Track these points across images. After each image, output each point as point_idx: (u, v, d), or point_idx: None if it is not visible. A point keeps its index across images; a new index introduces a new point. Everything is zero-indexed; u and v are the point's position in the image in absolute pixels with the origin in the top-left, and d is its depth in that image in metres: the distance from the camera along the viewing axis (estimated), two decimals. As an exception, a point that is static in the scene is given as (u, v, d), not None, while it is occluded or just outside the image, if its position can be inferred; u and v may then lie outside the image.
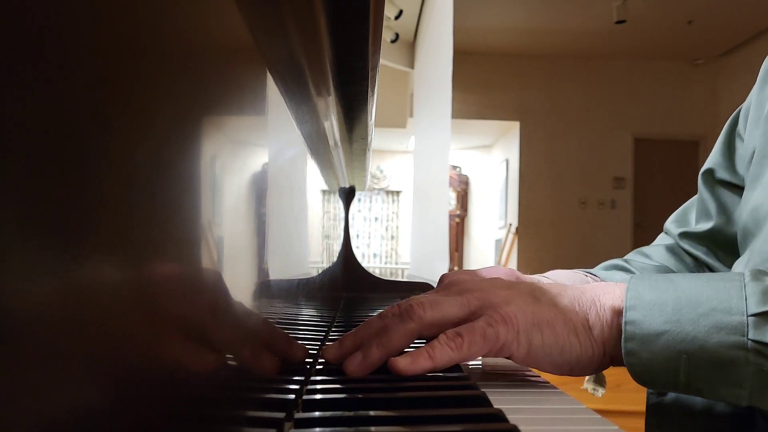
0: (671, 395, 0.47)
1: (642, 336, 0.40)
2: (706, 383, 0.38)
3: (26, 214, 0.11)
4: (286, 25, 0.35)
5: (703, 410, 0.46)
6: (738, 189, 0.61)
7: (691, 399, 0.46)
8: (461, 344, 0.41)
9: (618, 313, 0.42)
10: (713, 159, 0.64)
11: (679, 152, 6.30)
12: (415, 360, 0.41)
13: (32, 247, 0.11)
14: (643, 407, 0.55)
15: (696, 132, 6.26)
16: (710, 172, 0.64)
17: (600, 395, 0.56)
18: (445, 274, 0.56)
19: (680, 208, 0.70)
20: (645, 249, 0.72)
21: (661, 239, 0.72)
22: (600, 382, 0.57)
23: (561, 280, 0.61)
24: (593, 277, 0.64)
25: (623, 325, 0.40)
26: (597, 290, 0.44)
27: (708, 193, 0.64)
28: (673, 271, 0.66)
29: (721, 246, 0.63)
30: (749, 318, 0.37)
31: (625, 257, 0.71)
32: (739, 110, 0.62)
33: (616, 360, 0.42)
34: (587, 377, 0.55)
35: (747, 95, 0.65)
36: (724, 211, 0.62)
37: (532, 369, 0.47)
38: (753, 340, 0.37)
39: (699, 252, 0.65)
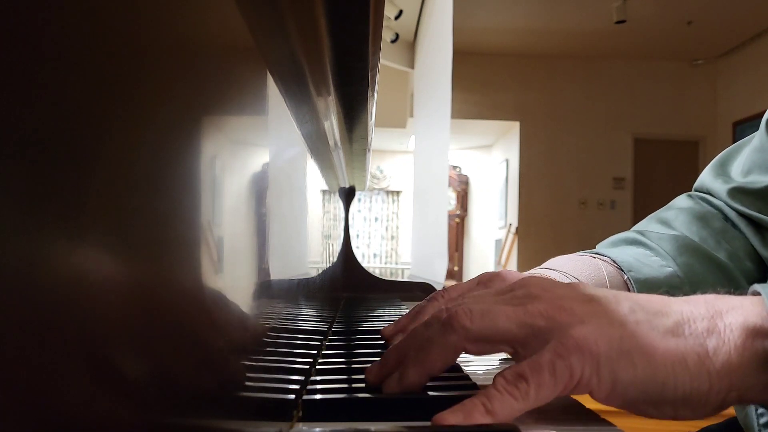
0: None
1: None
2: None
3: (26, 214, 0.11)
4: (286, 25, 0.35)
5: None
6: None
7: None
8: (527, 391, 0.31)
9: (754, 333, 0.31)
10: None
11: (679, 152, 6.30)
12: (468, 416, 0.31)
13: (31, 247, 0.11)
14: None
15: (696, 132, 6.26)
16: None
17: None
18: (486, 273, 0.48)
19: (716, 161, 0.60)
20: (663, 214, 0.62)
21: (683, 201, 0.63)
22: None
23: (567, 269, 0.54)
24: (601, 258, 0.56)
25: None
26: (717, 304, 0.33)
27: None
28: (696, 244, 0.56)
29: None
30: None
31: (638, 227, 0.61)
32: None
33: (745, 397, 0.32)
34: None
35: (747, 95, 0.63)
36: None
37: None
38: None
39: (754, 211, 0.55)
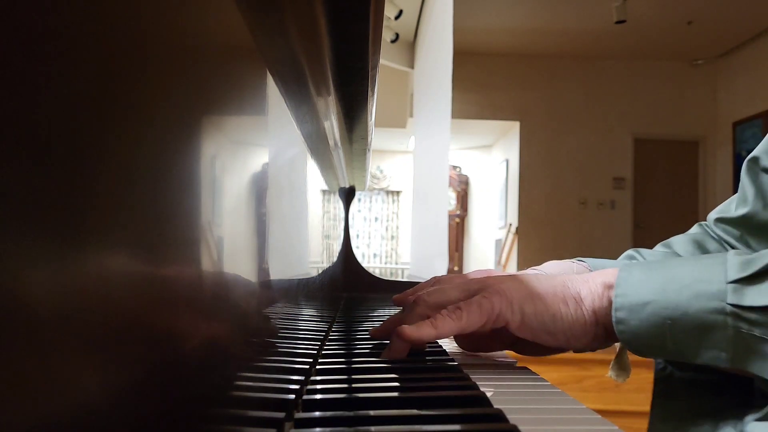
0: (678, 373, 0.49)
1: (630, 305, 0.43)
2: (690, 347, 0.41)
3: (26, 214, 0.11)
4: (286, 25, 0.35)
5: (707, 386, 0.47)
6: None
7: (696, 375, 0.48)
8: (461, 315, 0.46)
9: (609, 287, 0.46)
10: (762, 148, 0.63)
11: (679, 152, 6.29)
12: (420, 327, 0.46)
13: (32, 247, 0.11)
14: (643, 408, 0.55)
15: (695, 132, 6.25)
16: (755, 160, 0.63)
17: (622, 381, 0.57)
18: (437, 276, 0.63)
19: (728, 200, 0.69)
20: (673, 238, 0.73)
21: (694, 229, 0.72)
22: (624, 367, 0.57)
23: (546, 268, 0.66)
24: (579, 262, 0.67)
25: (613, 297, 0.44)
26: (590, 274, 0.49)
27: (749, 179, 0.64)
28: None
29: (754, 231, 0.63)
30: (728, 285, 0.40)
31: (654, 248, 0.72)
32: None
33: (610, 332, 0.45)
34: (611, 364, 0.57)
35: (746, 95, 0.65)
36: (763, 197, 0.62)
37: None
38: (731, 305, 0.39)
39: (730, 237, 0.66)
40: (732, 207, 0.67)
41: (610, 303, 0.45)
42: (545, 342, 0.47)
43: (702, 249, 0.68)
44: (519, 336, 0.48)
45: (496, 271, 0.61)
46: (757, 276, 0.39)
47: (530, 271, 0.64)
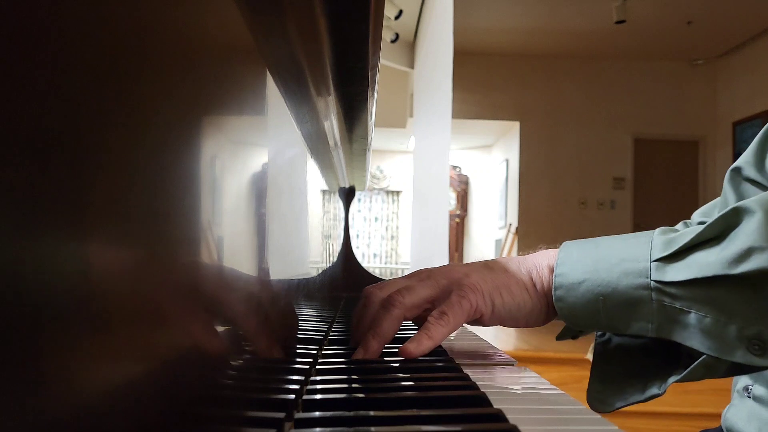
0: (615, 338, 0.53)
1: (567, 285, 0.48)
2: (620, 321, 0.45)
3: (26, 214, 0.11)
4: (286, 25, 0.35)
5: (639, 350, 0.51)
6: (762, 187, 0.66)
7: (631, 341, 0.52)
8: (448, 319, 0.49)
9: (552, 270, 0.50)
10: (744, 158, 0.68)
11: (679, 152, 6.29)
12: (419, 342, 0.48)
13: (32, 247, 0.11)
14: (643, 408, 0.57)
15: (695, 132, 6.25)
16: (738, 170, 0.68)
17: None
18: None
19: (711, 202, 0.75)
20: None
21: (679, 227, 0.75)
22: None
23: None
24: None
25: (554, 277, 0.49)
26: (537, 256, 0.53)
27: (731, 189, 0.69)
28: None
29: None
30: (652, 263, 0.45)
31: None
32: None
33: (555, 309, 0.50)
34: (590, 347, 0.63)
35: (746, 95, 0.68)
36: None
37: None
38: (655, 281, 0.44)
39: None
40: (715, 212, 0.70)
41: (551, 284, 0.49)
42: (509, 326, 0.53)
43: None
44: (488, 324, 0.52)
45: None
46: (677, 254, 0.44)
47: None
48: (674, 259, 0.44)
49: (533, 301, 0.51)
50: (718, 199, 0.73)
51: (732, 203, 0.65)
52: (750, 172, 0.67)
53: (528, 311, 0.51)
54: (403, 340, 0.49)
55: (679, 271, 0.43)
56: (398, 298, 0.51)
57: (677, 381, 0.45)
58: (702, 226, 0.44)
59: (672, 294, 0.43)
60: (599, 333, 0.54)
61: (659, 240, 0.46)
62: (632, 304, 0.45)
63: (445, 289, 0.51)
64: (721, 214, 0.44)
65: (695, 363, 0.43)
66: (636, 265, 0.45)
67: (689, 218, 0.76)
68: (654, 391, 0.46)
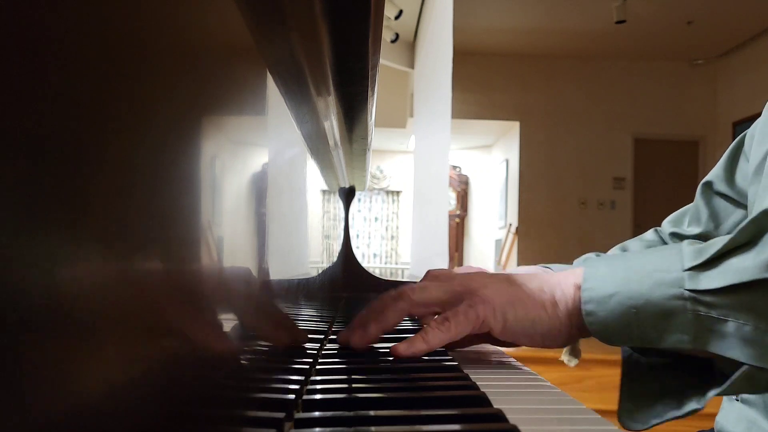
0: (642, 358, 0.52)
1: (597, 298, 0.46)
2: (655, 333, 0.44)
3: (26, 214, 0.11)
4: (286, 25, 0.35)
5: (670, 368, 0.50)
6: (733, 201, 0.68)
7: (659, 359, 0.50)
8: (449, 326, 0.48)
9: (579, 287, 0.48)
10: (715, 173, 0.70)
11: (679, 152, 6.29)
12: (411, 344, 0.48)
13: (32, 247, 0.11)
14: None
15: (695, 132, 6.25)
16: (709, 184, 0.70)
17: (573, 365, 0.63)
18: (430, 269, 0.65)
19: (679, 210, 0.77)
20: (627, 242, 0.79)
21: (648, 234, 0.79)
22: (575, 353, 0.63)
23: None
24: (544, 268, 0.72)
25: (581, 292, 0.47)
26: (561, 274, 0.51)
27: (703, 202, 0.70)
28: None
29: None
30: (685, 272, 0.43)
31: (609, 252, 0.78)
32: (746, 133, 0.68)
33: (582, 330, 0.49)
34: (564, 349, 0.62)
35: (746, 95, 0.70)
36: (715, 219, 0.69)
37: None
38: (689, 290, 0.42)
39: None
40: (685, 221, 0.74)
41: (579, 303, 0.47)
42: (524, 344, 0.51)
43: None
44: (500, 339, 0.51)
45: (484, 269, 0.64)
46: (710, 262, 0.43)
47: (521, 269, 0.70)
48: (708, 267, 0.43)
49: (551, 319, 0.49)
50: (687, 207, 0.75)
51: (704, 217, 0.69)
52: (720, 186, 0.68)
53: (545, 329, 0.50)
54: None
55: (714, 279, 0.42)
56: (407, 293, 0.51)
57: (718, 394, 0.44)
58: (732, 234, 0.42)
59: (708, 303, 0.42)
60: (625, 354, 0.53)
61: (689, 249, 0.45)
62: (666, 316, 0.43)
63: (458, 295, 0.50)
64: (751, 218, 0.42)
65: (736, 374, 0.41)
66: (668, 275, 0.44)
67: None
68: (693, 405, 0.45)
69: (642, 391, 0.50)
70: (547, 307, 0.49)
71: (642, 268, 0.45)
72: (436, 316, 0.50)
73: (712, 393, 0.44)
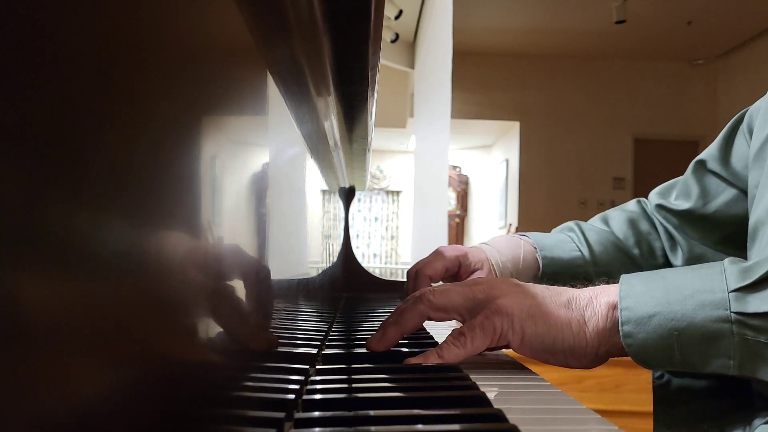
0: (676, 380, 0.50)
1: (636, 319, 0.43)
2: (698, 357, 0.41)
3: (26, 214, 0.11)
4: (286, 25, 0.35)
5: (706, 391, 0.48)
6: (724, 181, 0.67)
7: (694, 381, 0.48)
8: (465, 342, 0.46)
9: (613, 307, 0.46)
10: (709, 152, 0.69)
11: (679, 152, 6.28)
12: (426, 359, 0.46)
13: (32, 248, 0.11)
14: (643, 408, 0.56)
15: (695, 132, 6.25)
16: (702, 162, 0.69)
17: None
18: (439, 247, 0.68)
19: (667, 183, 0.77)
20: (609, 212, 0.79)
21: (630, 205, 0.80)
22: None
23: (495, 243, 0.73)
24: (526, 239, 0.74)
25: (619, 312, 0.44)
26: (595, 290, 0.48)
27: (694, 179, 0.70)
28: (616, 238, 0.76)
29: (692, 225, 0.70)
30: (730, 294, 0.41)
31: (590, 220, 0.79)
32: (746, 111, 0.66)
33: (612, 351, 0.46)
34: None
35: (746, 95, 0.68)
36: (705, 196, 0.68)
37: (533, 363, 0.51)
38: (735, 312, 0.40)
39: (670, 225, 0.73)
40: (673, 194, 0.74)
41: (615, 324, 0.45)
42: (544, 360, 0.48)
43: (635, 228, 0.75)
44: (519, 352, 0.48)
45: (458, 246, 0.65)
46: (758, 284, 0.40)
47: (483, 246, 0.73)
48: (755, 289, 0.40)
49: (576, 338, 0.46)
50: (675, 180, 0.75)
51: (695, 194, 0.69)
52: (714, 165, 0.67)
53: (567, 348, 0.46)
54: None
55: (763, 302, 0.40)
56: (428, 296, 0.49)
57: (765, 423, 0.42)
58: None
59: (756, 327, 0.40)
60: (656, 374, 0.51)
61: (733, 269, 0.42)
62: (711, 339, 0.41)
63: (479, 303, 0.48)
64: None
65: None
66: (712, 296, 0.41)
67: None
68: None
69: (678, 417, 0.48)
70: (572, 325, 0.46)
71: (683, 287, 0.43)
72: (453, 330, 0.48)
73: (759, 422, 0.42)
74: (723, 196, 0.67)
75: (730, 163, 0.66)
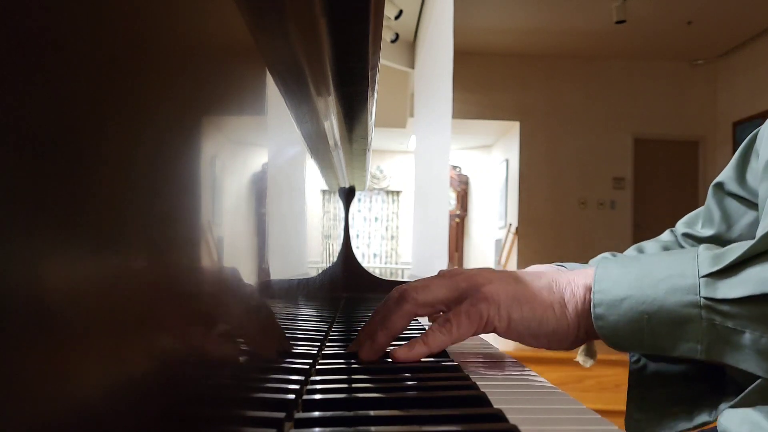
0: (652, 364, 0.50)
1: (608, 301, 0.44)
2: (667, 340, 0.42)
3: (26, 214, 0.11)
4: (286, 25, 0.35)
5: (680, 376, 0.48)
6: (745, 201, 0.66)
7: (669, 366, 0.49)
8: (450, 328, 0.47)
9: (589, 289, 0.46)
10: (726, 173, 0.68)
11: (679, 152, 6.29)
12: (411, 347, 0.47)
13: (32, 248, 0.11)
14: None
15: (695, 132, 6.25)
16: (720, 185, 0.69)
17: (589, 366, 0.61)
18: (443, 269, 0.64)
19: (693, 212, 0.76)
20: (644, 243, 0.78)
21: (665, 235, 0.78)
22: (591, 354, 0.62)
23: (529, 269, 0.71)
24: (558, 266, 0.71)
25: (592, 294, 0.45)
26: (573, 273, 0.49)
27: (715, 203, 0.69)
28: None
29: None
30: (701, 279, 0.41)
31: (625, 252, 0.77)
32: (758, 131, 0.66)
33: (590, 333, 0.47)
34: (579, 350, 0.61)
35: (746, 95, 0.68)
36: (727, 220, 0.68)
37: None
38: (705, 298, 0.41)
39: None
40: (699, 223, 0.73)
41: (589, 305, 0.46)
42: (529, 344, 0.49)
43: None
44: (505, 337, 0.49)
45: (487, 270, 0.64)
46: (728, 270, 0.41)
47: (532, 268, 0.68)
48: (726, 275, 0.41)
49: (559, 320, 0.47)
50: (701, 209, 0.75)
51: (717, 219, 0.68)
52: (732, 186, 0.67)
53: (551, 330, 0.48)
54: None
55: (732, 288, 0.40)
56: (412, 294, 0.49)
57: (730, 407, 0.42)
58: (753, 241, 0.41)
59: (724, 312, 0.40)
60: (633, 358, 0.52)
61: (706, 254, 0.43)
62: (680, 323, 0.41)
63: (463, 293, 0.49)
64: None
65: (750, 388, 0.40)
66: (683, 281, 0.42)
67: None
68: (704, 418, 0.44)
69: (651, 400, 0.48)
70: (555, 308, 0.48)
71: (656, 271, 0.44)
72: (438, 318, 0.48)
73: (724, 406, 0.43)
74: (745, 219, 0.67)
75: (746, 182, 0.66)
